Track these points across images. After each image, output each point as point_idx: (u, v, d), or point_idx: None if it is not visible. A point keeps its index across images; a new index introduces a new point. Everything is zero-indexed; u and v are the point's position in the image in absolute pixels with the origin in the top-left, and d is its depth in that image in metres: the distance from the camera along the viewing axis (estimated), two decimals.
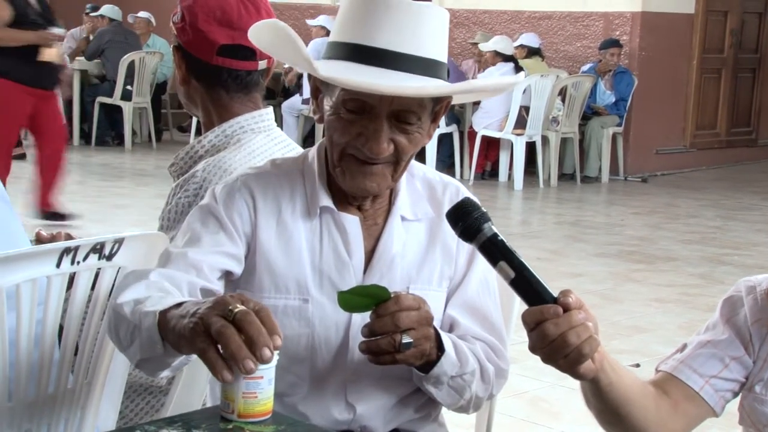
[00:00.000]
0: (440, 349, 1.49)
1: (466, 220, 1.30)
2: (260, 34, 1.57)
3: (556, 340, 1.20)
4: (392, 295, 1.41)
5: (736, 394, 1.50)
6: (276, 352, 1.22)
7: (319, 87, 1.54)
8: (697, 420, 1.48)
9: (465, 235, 1.30)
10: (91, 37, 10.13)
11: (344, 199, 1.58)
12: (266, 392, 1.29)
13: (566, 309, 1.22)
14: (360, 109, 1.46)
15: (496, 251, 1.27)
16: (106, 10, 9.94)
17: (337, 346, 1.55)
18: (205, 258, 1.49)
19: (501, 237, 1.28)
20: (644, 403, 1.41)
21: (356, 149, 1.49)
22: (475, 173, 8.43)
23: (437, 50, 1.49)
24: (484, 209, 1.31)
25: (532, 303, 1.24)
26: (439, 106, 1.55)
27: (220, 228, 1.53)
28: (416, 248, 1.60)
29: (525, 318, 1.23)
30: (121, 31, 9.80)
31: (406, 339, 1.40)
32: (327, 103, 1.52)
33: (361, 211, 1.58)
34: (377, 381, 1.56)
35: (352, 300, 1.42)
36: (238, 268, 1.54)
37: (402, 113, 1.47)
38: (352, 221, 1.57)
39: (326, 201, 1.56)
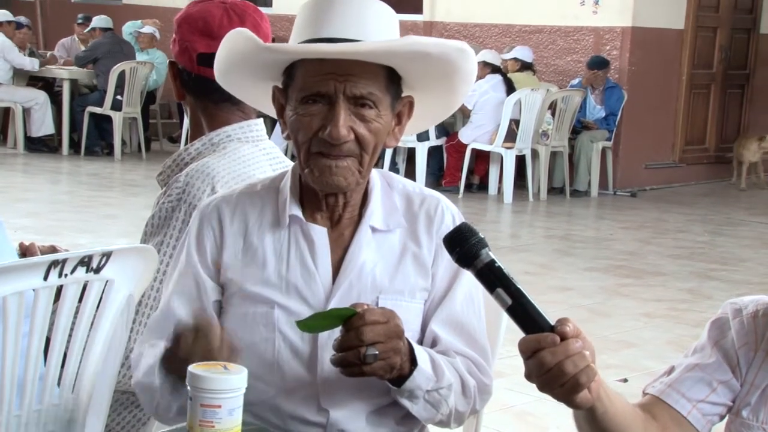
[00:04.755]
0: (414, 363, 1.50)
1: (462, 246, 1.27)
2: (217, 59, 1.64)
3: (553, 369, 1.19)
4: (359, 311, 1.43)
5: (722, 418, 1.50)
6: (243, 380, 1.24)
7: (282, 103, 1.60)
8: None
9: (462, 261, 1.28)
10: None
11: (315, 211, 1.61)
12: (226, 423, 1.24)
13: (563, 337, 1.20)
14: (317, 100, 1.52)
15: (493, 278, 1.25)
16: (97, 21, 9.90)
17: (305, 351, 1.57)
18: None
19: (498, 263, 1.26)
20: (634, 429, 1.39)
21: (320, 144, 1.53)
22: (464, 186, 8.44)
23: (383, 36, 1.55)
24: (481, 235, 1.29)
25: (529, 331, 1.22)
26: (400, 104, 1.60)
27: (204, 279, 1.62)
28: (388, 258, 1.61)
29: (521, 347, 1.22)
30: (116, 41, 9.76)
31: (371, 351, 1.42)
32: (288, 109, 1.57)
33: (331, 222, 1.61)
34: (352, 388, 1.56)
35: (312, 324, 1.45)
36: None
37: (358, 99, 1.52)
38: (319, 232, 1.60)
39: (295, 211, 1.60)
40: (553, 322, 1.23)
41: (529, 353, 1.21)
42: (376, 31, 1.54)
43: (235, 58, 1.60)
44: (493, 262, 1.26)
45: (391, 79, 1.56)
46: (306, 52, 1.51)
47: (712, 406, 1.46)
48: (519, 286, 1.24)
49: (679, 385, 1.47)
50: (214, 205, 1.65)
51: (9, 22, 9.68)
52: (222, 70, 1.66)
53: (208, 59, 1.97)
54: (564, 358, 1.19)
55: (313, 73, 1.52)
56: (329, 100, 1.52)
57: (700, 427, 1.46)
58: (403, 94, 1.61)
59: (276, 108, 1.63)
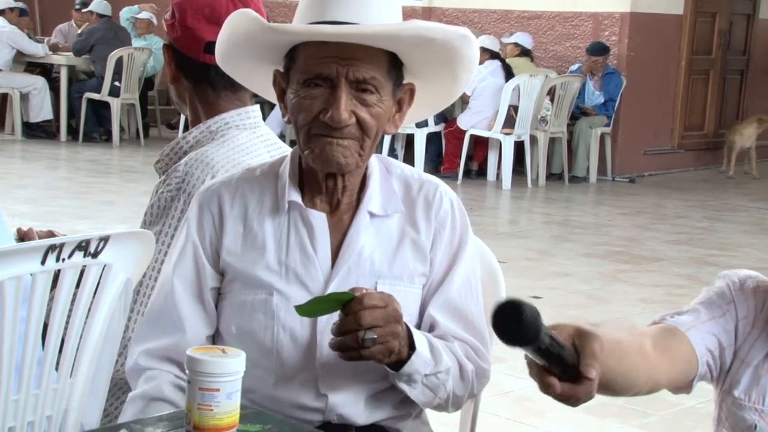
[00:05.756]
0: (412, 347, 1.51)
1: (524, 337, 1.12)
2: (220, 40, 1.64)
3: (563, 400, 1.20)
4: (358, 295, 1.43)
5: (710, 374, 1.47)
6: (241, 363, 1.24)
7: (283, 86, 1.59)
8: (676, 384, 1.46)
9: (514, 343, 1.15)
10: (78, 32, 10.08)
11: (314, 196, 1.61)
12: (224, 407, 1.24)
13: (585, 380, 1.17)
14: (319, 83, 1.52)
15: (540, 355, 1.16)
16: (96, 5, 9.85)
17: (303, 337, 1.57)
18: (199, 312, 1.62)
19: (551, 343, 1.15)
20: (641, 374, 1.36)
21: (320, 126, 1.53)
22: (463, 172, 8.43)
23: (387, 21, 1.54)
24: (542, 323, 1.12)
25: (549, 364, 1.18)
26: (401, 91, 1.60)
27: (204, 264, 1.62)
28: (387, 244, 1.61)
29: (537, 376, 1.17)
30: (111, 27, 9.72)
31: (370, 335, 1.42)
32: (290, 92, 1.57)
33: (330, 207, 1.61)
34: (350, 373, 1.56)
35: (311, 308, 1.46)
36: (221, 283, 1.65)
37: (360, 83, 1.52)
38: (318, 217, 1.60)
39: (294, 196, 1.60)
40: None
41: (542, 383, 1.18)
42: (379, 16, 1.54)
43: (239, 39, 1.60)
44: (549, 344, 1.15)
45: (393, 64, 1.56)
46: (310, 33, 1.51)
47: (714, 359, 1.45)
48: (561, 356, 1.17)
49: (702, 328, 1.45)
50: (213, 190, 1.64)
51: (12, 9, 9.63)
52: (223, 52, 1.65)
53: (215, 47, 1.96)
54: (575, 399, 1.19)
55: (316, 55, 1.52)
56: (331, 83, 1.52)
57: (702, 372, 1.45)
58: (404, 81, 1.60)
59: (277, 92, 1.63)
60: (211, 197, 1.64)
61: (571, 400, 1.20)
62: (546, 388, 1.18)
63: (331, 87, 1.52)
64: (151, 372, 1.60)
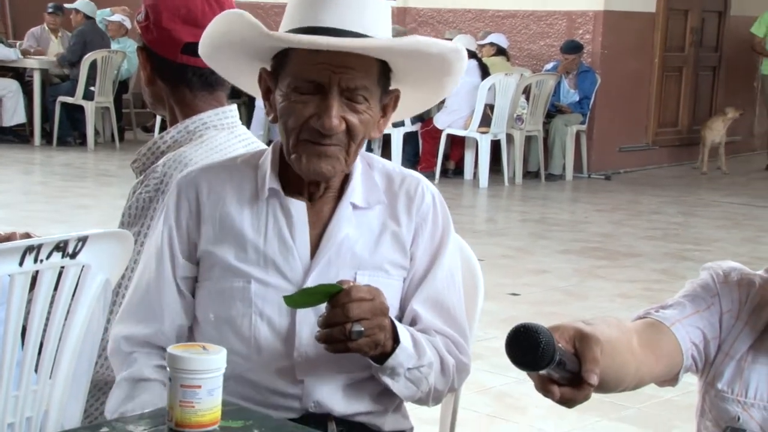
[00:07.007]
0: (396, 341, 1.51)
1: (541, 363, 1.14)
2: (209, 35, 1.63)
3: (561, 403, 1.21)
4: (345, 287, 1.43)
5: (696, 348, 1.48)
6: (223, 360, 1.25)
7: (270, 86, 1.59)
8: (662, 378, 1.47)
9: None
10: (58, 38, 9.98)
11: (294, 187, 1.61)
12: (205, 403, 1.25)
13: (587, 384, 1.18)
14: (310, 89, 1.52)
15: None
16: (83, 5, 9.65)
17: (282, 326, 1.58)
18: (176, 302, 1.62)
19: (559, 360, 1.16)
20: (630, 371, 1.37)
21: (310, 132, 1.53)
22: (440, 171, 8.45)
23: (380, 32, 1.55)
24: (556, 346, 1.14)
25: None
26: (387, 98, 1.61)
27: (176, 251, 1.62)
28: (368, 235, 1.62)
29: (539, 383, 1.18)
30: (96, 29, 9.60)
31: (357, 327, 1.43)
32: (278, 94, 1.56)
33: (311, 199, 1.62)
34: (328, 361, 1.56)
35: (299, 299, 1.46)
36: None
37: (351, 91, 1.52)
38: (298, 206, 1.60)
39: (274, 184, 1.60)
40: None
41: (542, 389, 1.19)
42: (373, 22, 1.54)
43: (233, 39, 1.58)
44: (556, 364, 1.16)
45: (383, 72, 1.57)
46: (310, 43, 1.50)
47: (699, 352, 1.46)
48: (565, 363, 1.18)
49: (687, 324, 1.46)
50: (192, 177, 1.65)
51: None
52: (215, 47, 1.63)
53: (193, 48, 1.95)
54: (573, 401, 1.21)
55: (309, 61, 1.52)
56: (322, 89, 1.52)
57: (687, 365, 1.45)
58: (390, 88, 1.61)
59: (262, 90, 1.62)
60: (189, 184, 1.64)
61: (568, 402, 1.20)
62: (545, 394, 1.19)
63: (323, 93, 1.52)
64: (135, 355, 1.62)
